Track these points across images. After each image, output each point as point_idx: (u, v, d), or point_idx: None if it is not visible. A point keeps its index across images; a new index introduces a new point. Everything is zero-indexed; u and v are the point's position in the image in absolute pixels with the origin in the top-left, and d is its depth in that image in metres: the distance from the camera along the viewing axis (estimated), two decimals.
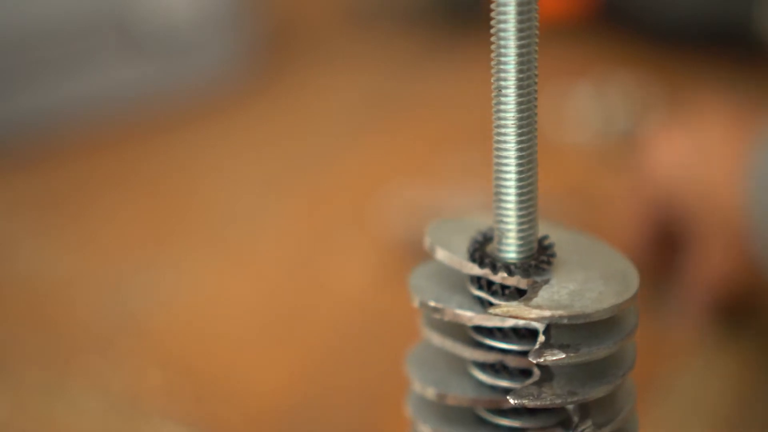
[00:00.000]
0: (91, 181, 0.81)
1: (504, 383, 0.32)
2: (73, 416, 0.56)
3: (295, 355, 0.61)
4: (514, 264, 0.31)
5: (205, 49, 0.93)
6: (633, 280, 0.32)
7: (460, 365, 0.34)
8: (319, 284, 0.67)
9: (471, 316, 0.32)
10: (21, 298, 0.67)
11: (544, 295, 0.30)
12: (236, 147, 0.86)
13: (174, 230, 0.75)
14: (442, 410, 0.34)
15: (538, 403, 0.30)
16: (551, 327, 0.30)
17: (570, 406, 0.31)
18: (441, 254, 0.32)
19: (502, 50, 0.29)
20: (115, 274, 0.69)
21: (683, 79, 0.88)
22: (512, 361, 0.32)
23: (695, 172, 0.58)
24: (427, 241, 0.33)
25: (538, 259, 0.31)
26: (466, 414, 0.34)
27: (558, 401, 0.30)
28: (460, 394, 0.33)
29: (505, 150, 0.30)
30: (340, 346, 0.61)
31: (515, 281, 0.31)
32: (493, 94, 0.30)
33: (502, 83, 0.30)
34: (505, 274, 0.31)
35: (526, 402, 0.30)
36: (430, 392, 0.33)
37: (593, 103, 0.85)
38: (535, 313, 0.30)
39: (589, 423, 0.31)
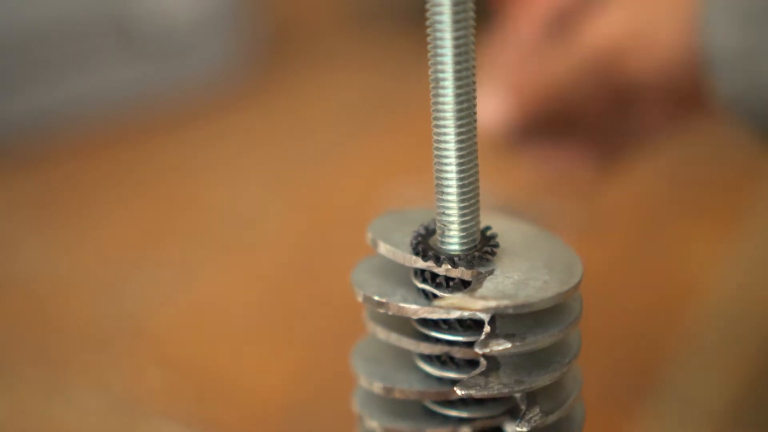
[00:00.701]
0: (91, 180, 0.81)
1: (451, 375, 0.32)
2: (73, 416, 0.56)
3: (295, 355, 0.61)
4: (458, 256, 0.31)
5: (205, 49, 0.93)
6: (576, 268, 0.32)
7: (406, 358, 0.34)
8: (319, 284, 0.67)
9: (416, 309, 0.31)
10: (21, 298, 0.67)
11: (488, 285, 0.30)
12: (236, 147, 0.86)
13: (174, 230, 0.75)
14: (389, 404, 0.34)
15: (486, 393, 0.30)
16: (496, 317, 0.30)
17: (517, 395, 0.31)
18: (383, 248, 0.32)
19: (439, 42, 0.29)
20: (115, 274, 0.69)
21: None
22: (458, 353, 0.32)
23: (641, 30, 0.56)
24: (369, 237, 0.33)
25: (482, 250, 0.31)
26: (415, 407, 0.34)
27: (505, 390, 0.30)
28: (407, 387, 0.33)
29: (445, 142, 0.30)
30: (341, 345, 0.61)
31: (459, 273, 0.31)
32: (431, 86, 0.30)
33: (440, 75, 0.30)
34: (449, 266, 0.31)
35: (473, 392, 0.30)
36: (377, 387, 0.33)
37: None
38: (480, 304, 0.29)
39: (536, 410, 0.31)
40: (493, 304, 0.29)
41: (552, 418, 0.31)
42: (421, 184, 0.75)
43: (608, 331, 0.60)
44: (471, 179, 0.31)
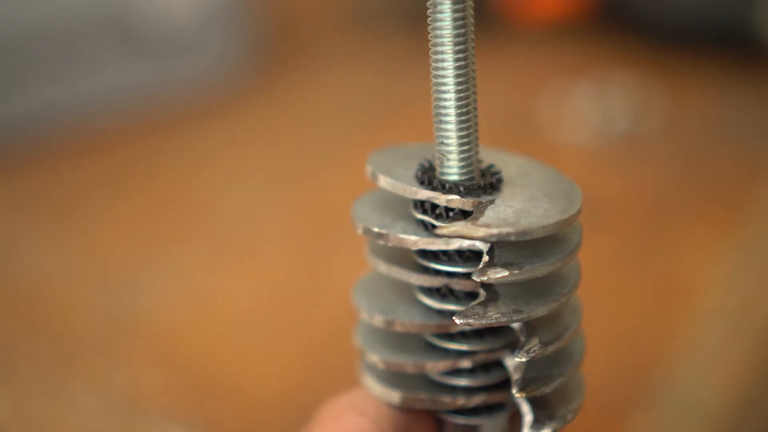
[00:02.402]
0: (91, 180, 0.81)
1: (451, 307, 0.32)
2: (73, 416, 0.56)
3: (295, 355, 0.61)
4: (462, 184, 0.31)
5: (206, 48, 0.93)
6: (577, 197, 0.32)
7: (407, 292, 0.34)
8: (319, 284, 0.67)
9: (415, 240, 0.31)
10: (21, 298, 0.67)
11: (490, 214, 0.30)
12: (236, 146, 0.86)
13: (174, 230, 0.75)
14: (390, 338, 0.34)
15: (484, 322, 0.30)
16: (495, 247, 0.30)
17: (516, 326, 0.31)
18: (383, 181, 0.32)
19: None
20: (115, 274, 0.69)
21: (683, 79, 0.88)
22: (458, 284, 0.32)
23: None
24: (369, 169, 0.33)
25: (484, 179, 0.31)
26: (415, 341, 0.34)
27: (503, 319, 0.30)
28: (407, 320, 0.33)
29: (443, 69, 0.30)
30: (341, 345, 0.61)
31: (460, 203, 0.31)
32: (428, 11, 0.30)
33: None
34: (454, 195, 0.31)
35: (471, 322, 0.30)
36: (378, 320, 0.33)
37: (593, 103, 0.85)
38: (482, 231, 0.29)
39: (535, 341, 0.31)
40: (495, 231, 0.29)
41: (551, 349, 0.31)
42: None
43: (608, 330, 0.60)
44: (468, 107, 0.31)
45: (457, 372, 0.33)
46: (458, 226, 0.30)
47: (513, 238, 0.29)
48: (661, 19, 0.92)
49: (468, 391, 0.34)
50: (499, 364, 0.34)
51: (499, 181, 0.32)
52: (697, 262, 0.67)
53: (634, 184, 0.76)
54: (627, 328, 0.61)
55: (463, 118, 0.31)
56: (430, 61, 0.31)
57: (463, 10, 0.30)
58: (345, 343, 0.63)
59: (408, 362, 0.33)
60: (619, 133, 0.82)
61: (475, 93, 0.31)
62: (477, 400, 0.33)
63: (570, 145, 0.81)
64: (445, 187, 0.31)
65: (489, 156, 0.33)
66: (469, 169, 0.31)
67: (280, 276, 0.69)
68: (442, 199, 0.31)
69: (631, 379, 0.58)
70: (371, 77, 0.95)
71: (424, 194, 0.31)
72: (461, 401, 0.33)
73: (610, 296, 0.63)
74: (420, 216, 0.32)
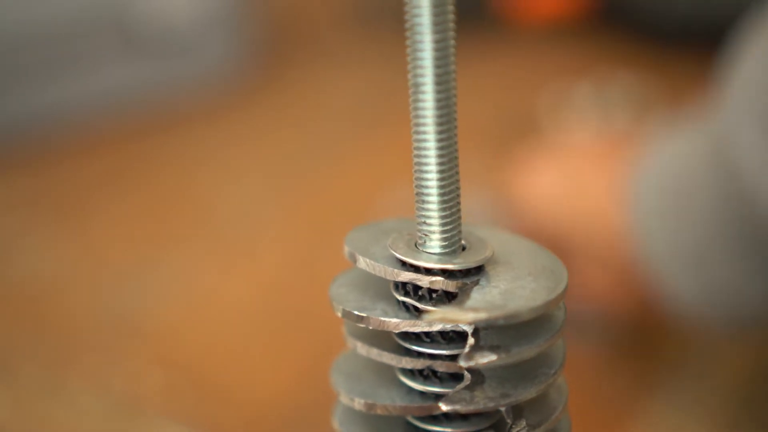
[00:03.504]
0: (91, 180, 0.81)
1: (434, 389, 0.31)
2: (73, 416, 0.56)
3: (295, 355, 0.61)
4: (444, 266, 0.30)
5: (206, 49, 0.93)
6: (561, 274, 0.31)
7: (388, 373, 0.33)
8: (319, 284, 0.67)
9: (397, 323, 0.31)
10: (21, 298, 0.67)
11: (476, 296, 0.30)
12: (236, 146, 0.86)
13: (174, 230, 0.75)
14: (371, 421, 0.33)
15: (472, 407, 0.30)
16: (479, 329, 0.30)
17: (503, 409, 0.31)
18: (362, 262, 0.31)
19: (418, 44, 0.29)
20: (115, 274, 0.69)
21: (683, 79, 0.88)
22: (441, 366, 0.31)
23: (568, 201, 0.57)
24: (346, 250, 0.32)
25: (467, 260, 0.31)
26: (397, 423, 0.33)
27: (491, 404, 0.30)
28: (389, 403, 0.32)
29: (425, 144, 0.30)
30: (340, 346, 0.61)
31: (444, 284, 0.30)
32: (411, 91, 0.29)
33: (419, 80, 0.29)
34: (435, 278, 0.30)
35: (459, 407, 0.30)
36: (358, 403, 0.32)
37: (593, 103, 0.85)
38: (471, 316, 0.29)
39: (523, 424, 0.31)
40: (484, 315, 0.29)
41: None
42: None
43: (609, 330, 0.60)
44: (452, 186, 0.30)
45: None
46: (445, 312, 0.29)
47: (502, 322, 0.29)
48: (661, 19, 0.92)
49: None
50: None
51: (484, 262, 0.31)
52: None
53: None
54: (627, 328, 0.61)
55: (447, 198, 0.30)
56: (412, 143, 0.30)
57: (446, 91, 0.29)
58: (344, 343, 0.63)
59: None
60: (620, 132, 0.82)
61: (457, 171, 0.30)
62: None
63: (570, 145, 0.81)
64: (428, 270, 0.30)
65: (472, 230, 0.33)
66: (453, 248, 0.31)
67: (280, 275, 0.69)
68: (425, 281, 0.30)
69: (632, 379, 0.58)
70: (371, 76, 0.95)
71: (407, 276, 0.30)
72: None
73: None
74: (401, 298, 0.31)
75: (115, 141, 0.86)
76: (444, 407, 0.30)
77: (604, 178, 0.56)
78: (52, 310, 0.66)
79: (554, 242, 0.56)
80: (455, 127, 0.30)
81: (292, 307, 0.65)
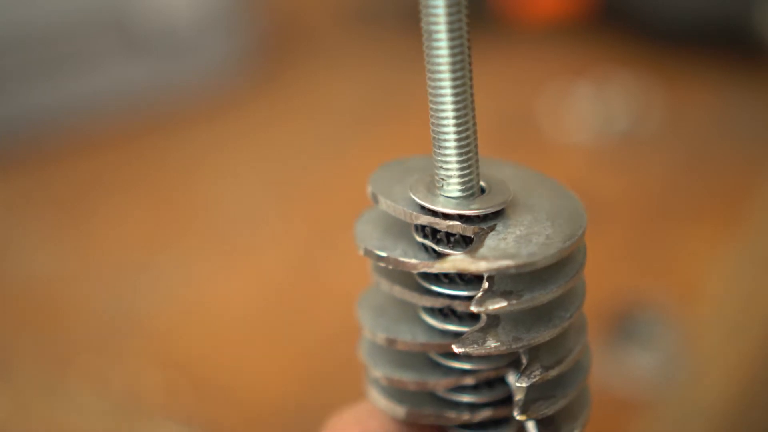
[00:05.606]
0: (91, 180, 0.81)
1: (453, 327, 0.32)
2: (73, 416, 0.56)
3: (295, 355, 0.61)
4: (462, 211, 0.30)
5: (205, 49, 0.93)
6: (580, 218, 0.31)
7: (410, 309, 0.33)
8: (319, 284, 0.67)
9: (415, 264, 0.31)
10: (21, 298, 0.67)
11: (490, 243, 0.30)
12: (236, 147, 0.86)
13: (174, 230, 0.75)
14: (393, 354, 0.34)
15: (483, 351, 0.30)
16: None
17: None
18: (384, 204, 0.32)
19: None
20: (115, 274, 0.69)
21: (683, 78, 0.88)
22: (460, 306, 0.31)
23: None
24: (369, 190, 0.33)
25: (485, 204, 0.31)
26: (419, 358, 0.34)
27: (502, 348, 0.30)
28: (410, 339, 0.32)
29: (441, 88, 0.29)
30: (341, 345, 0.61)
31: (461, 228, 0.30)
32: (424, 37, 0.29)
33: (433, 27, 0.29)
34: (452, 222, 0.30)
35: (470, 350, 0.30)
36: (380, 338, 0.33)
37: (593, 103, 0.85)
38: (482, 265, 0.29)
39: (537, 365, 0.31)
40: (494, 265, 0.29)
41: (553, 374, 0.31)
42: None
43: (608, 330, 0.60)
44: (468, 131, 0.30)
45: (461, 388, 0.33)
46: (456, 260, 0.29)
47: (513, 271, 0.29)
48: (661, 19, 0.92)
49: (473, 406, 0.33)
50: (503, 380, 0.33)
51: (501, 207, 0.31)
52: (697, 261, 0.67)
53: (635, 183, 0.76)
54: None
55: (462, 143, 0.30)
56: (427, 87, 0.30)
57: (459, 29, 0.29)
58: (344, 342, 0.63)
59: (410, 380, 0.33)
60: (619, 132, 0.82)
61: (473, 114, 0.30)
62: (482, 415, 0.33)
63: (570, 145, 0.81)
64: (445, 214, 0.30)
65: (493, 169, 0.33)
66: (471, 192, 0.31)
67: (280, 275, 0.69)
68: (442, 224, 0.30)
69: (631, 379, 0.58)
70: (373, 75, 0.95)
71: (425, 219, 0.31)
72: (466, 416, 0.33)
73: (611, 294, 0.63)
74: (421, 240, 0.31)
75: (115, 141, 0.86)
76: (456, 349, 0.30)
77: None
78: (51, 310, 0.66)
79: None
80: (470, 71, 0.30)
81: (292, 306, 0.65)
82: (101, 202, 0.78)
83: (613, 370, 0.58)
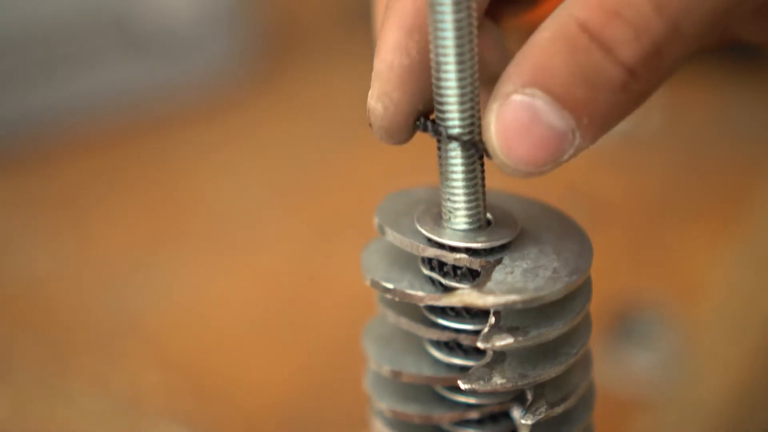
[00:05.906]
0: (91, 180, 0.81)
1: (458, 361, 0.32)
2: (73, 416, 0.56)
3: (295, 355, 0.61)
4: (469, 245, 0.30)
5: (205, 49, 0.92)
6: (587, 253, 0.31)
7: (415, 341, 0.33)
8: (319, 284, 0.67)
9: (422, 296, 0.31)
10: (21, 298, 0.67)
11: (497, 277, 0.30)
12: (236, 146, 0.86)
13: (173, 230, 0.75)
14: (398, 387, 0.34)
15: (489, 388, 0.30)
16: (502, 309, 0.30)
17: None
18: (390, 236, 0.32)
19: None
20: (115, 274, 0.69)
21: (683, 78, 0.88)
22: (465, 340, 0.31)
23: None
24: (376, 222, 0.33)
25: (492, 238, 0.31)
26: (423, 390, 0.34)
27: (508, 385, 0.30)
28: (415, 372, 0.32)
29: (448, 113, 0.29)
30: (340, 345, 0.61)
31: (468, 261, 0.30)
32: (432, 64, 0.29)
33: (439, 23, 0.28)
34: (459, 255, 0.30)
35: (476, 387, 0.30)
36: (386, 370, 0.33)
37: None
38: (489, 300, 0.29)
39: (542, 402, 0.31)
40: (501, 300, 0.29)
41: (558, 410, 0.31)
42: (422, 183, 0.75)
43: (608, 330, 0.60)
44: (474, 160, 0.30)
45: (465, 422, 0.33)
46: (463, 295, 0.29)
47: (520, 306, 0.29)
48: None
49: None
50: (507, 415, 0.33)
51: (507, 240, 0.31)
52: (697, 261, 0.67)
53: (635, 183, 0.76)
54: None
55: (469, 176, 0.30)
56: (435, 112, 0.30)
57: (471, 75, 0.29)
58: (344, 342, 0.63)
59: (415, 413, 0.33)
60: (619, 132, 0.82)
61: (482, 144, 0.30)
62: None
63: None
64: (452, 247, 0.30)
65: (499, 201, 0.33)
66: (478, 224, 0.31)
67: (280, 275, 0.69)
68: (449, 257, 0.30)
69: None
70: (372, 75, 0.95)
71: (432, 252, 0.31)
72: None
73: (611, 294, 0.63)
74: (427, 272, 0.31)
75: (115, 140, 0.86)
76: (462, 386, 0.30)
77: None
78: (51, 309, 0.66)
79: None
80: (478, 100, 0.29)
81: (292, 306, 0.65)
82: (101, 201, 0.78)
83: (613, 370, 0.58)
